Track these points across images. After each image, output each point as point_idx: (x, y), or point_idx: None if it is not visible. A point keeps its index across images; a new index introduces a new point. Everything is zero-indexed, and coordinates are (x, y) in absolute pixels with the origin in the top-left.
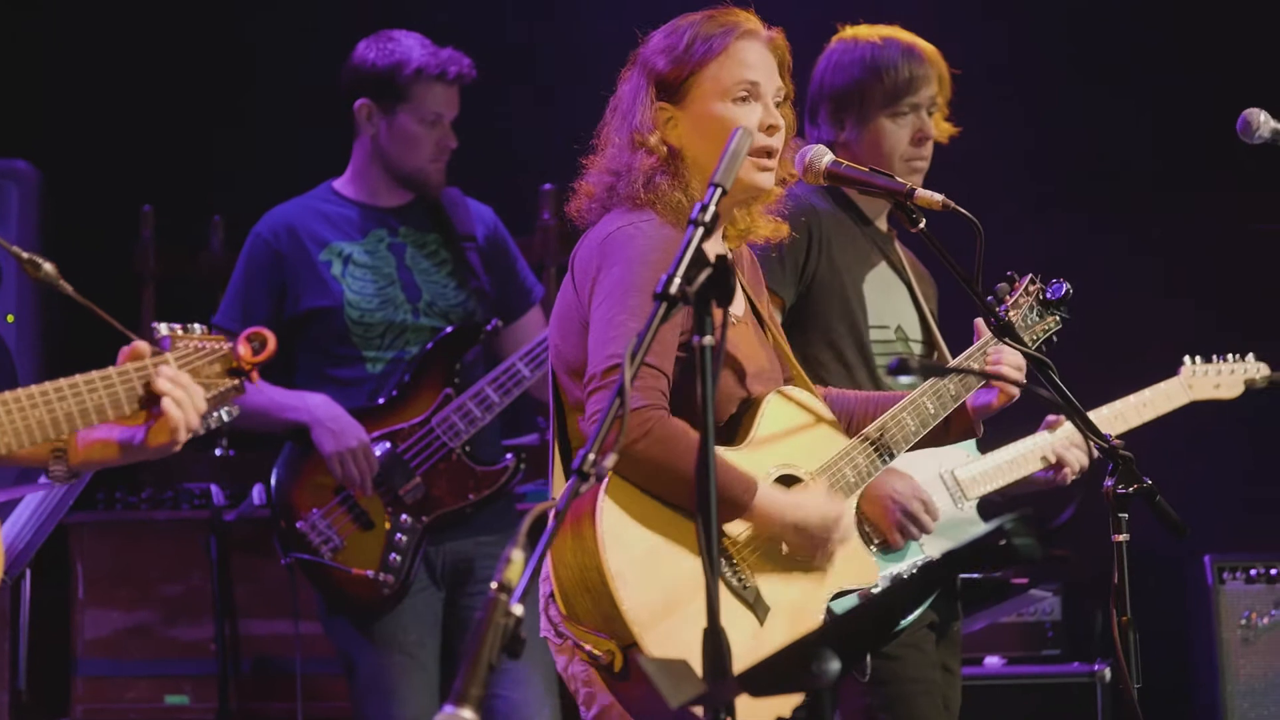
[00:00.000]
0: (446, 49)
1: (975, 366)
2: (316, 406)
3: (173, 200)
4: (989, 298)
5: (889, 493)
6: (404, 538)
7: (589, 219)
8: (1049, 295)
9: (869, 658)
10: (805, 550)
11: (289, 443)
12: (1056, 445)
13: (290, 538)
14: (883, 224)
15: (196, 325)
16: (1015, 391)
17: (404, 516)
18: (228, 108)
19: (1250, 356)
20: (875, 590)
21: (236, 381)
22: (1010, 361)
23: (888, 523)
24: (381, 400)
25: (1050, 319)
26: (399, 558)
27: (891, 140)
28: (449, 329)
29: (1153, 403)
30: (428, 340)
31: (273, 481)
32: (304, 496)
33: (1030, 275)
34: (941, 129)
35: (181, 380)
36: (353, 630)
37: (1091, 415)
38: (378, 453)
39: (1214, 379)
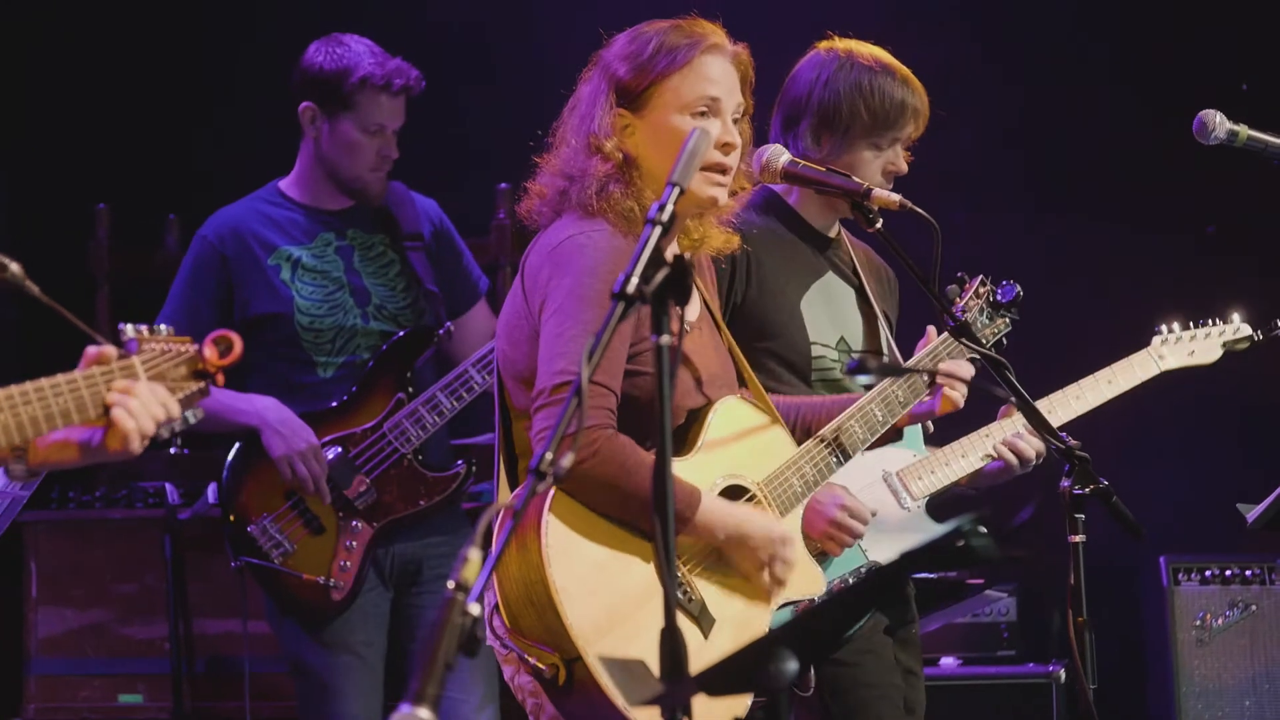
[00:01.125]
0: (395, 59)
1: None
2: (266, 409)
3: (127, 199)
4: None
5: (810, 503)
6: (354, 543)
7: (539, 221)
8: (999, 297)
9: (811, 671)
10: (748, 566)
11: (238, 445)
12: (1007, 436)
13: (240, 541)
14: (833, 230)
15: (163, 326)
16: (960, 401)
17: (355, 522)
18: (182, 106)
19: (1235, 317)
20: (816, 600)
21: (202, 384)
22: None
23: (816, 533)
24: (334, 404)
25: (1000, 321)
26: (349, 563)
27: (867, 170)
28: (401, 333)
29: (1118, 378)
30: (378, 344)
31: (222, 484)
32: (254, 501)
33: (980, 277)
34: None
35: (134, 389)
36: (301, 633)
37: (1052, 396)
38: (329, 457)
39: (1188, 345)
